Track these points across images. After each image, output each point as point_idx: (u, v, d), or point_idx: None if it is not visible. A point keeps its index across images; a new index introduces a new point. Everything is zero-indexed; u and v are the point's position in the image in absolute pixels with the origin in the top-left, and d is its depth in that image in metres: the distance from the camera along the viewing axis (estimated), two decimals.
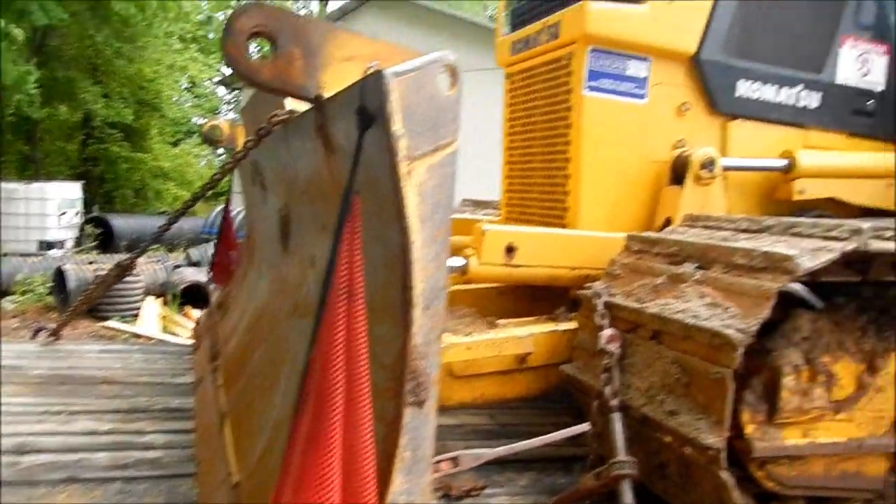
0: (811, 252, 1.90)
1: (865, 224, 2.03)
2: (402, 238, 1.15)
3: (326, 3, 31.20)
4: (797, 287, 1.88)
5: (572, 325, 2.57)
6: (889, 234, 2.03)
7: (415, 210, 1.19)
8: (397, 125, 1.15)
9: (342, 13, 21.95)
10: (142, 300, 7.98)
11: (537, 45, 3.18)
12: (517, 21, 3.44)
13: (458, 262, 2.52)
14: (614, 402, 2.05)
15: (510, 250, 2.62)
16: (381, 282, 1.22)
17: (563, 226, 3.04)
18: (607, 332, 2.16)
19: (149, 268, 8.57)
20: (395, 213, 1.16)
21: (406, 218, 1.15)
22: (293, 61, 1.51)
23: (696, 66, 3.00)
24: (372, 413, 1.08)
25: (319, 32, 1.54)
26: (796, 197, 3.03)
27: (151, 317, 7.72)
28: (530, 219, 3.36)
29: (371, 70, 1.35)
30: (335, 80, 1.50)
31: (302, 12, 30.89)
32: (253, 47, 1.49)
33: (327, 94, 1.46)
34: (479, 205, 4.63)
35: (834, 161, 3.11)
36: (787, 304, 1.91)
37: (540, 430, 2.20)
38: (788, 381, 1.88)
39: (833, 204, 3.12)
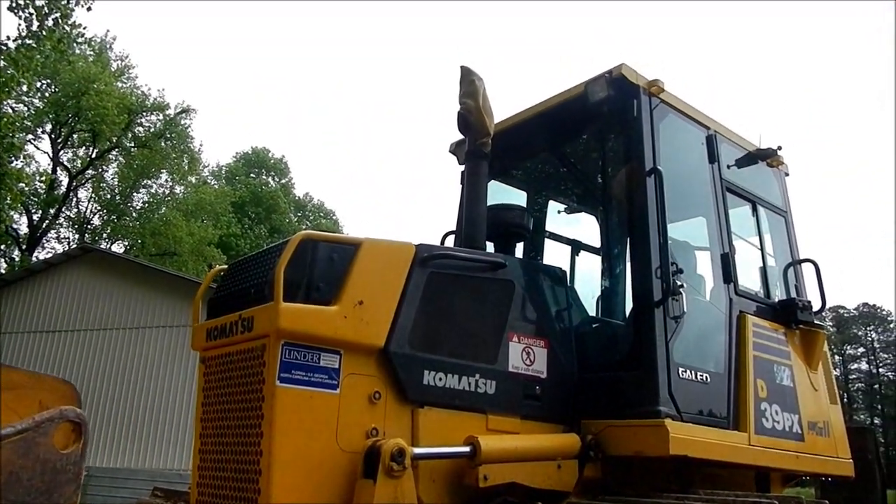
0: None
1: None
2: None
3: (31, 255, 29.03)
4: None
5: None
6: None
7: None
8: None
9: (47, 265, 20.50)
10: None
11: (233, 334, 3.17)
12: (213, 310, 3.44)
13: None
14: None
15: None
16: None
17: None
18: None
19: None
20: None
21: None
22: None
23: (386, 357, 3.18)
24: None
25: None
26: (482, 484, 3.18)
27: None
28: None
29: None
30: None
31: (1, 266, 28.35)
32: None
33: None
34: (170, 496, 4.17)
35: (512, 445, 3.37)
36: None
37: None
38: None
39: (515, 488, 3.32)
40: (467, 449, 3.16)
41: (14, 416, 1.10)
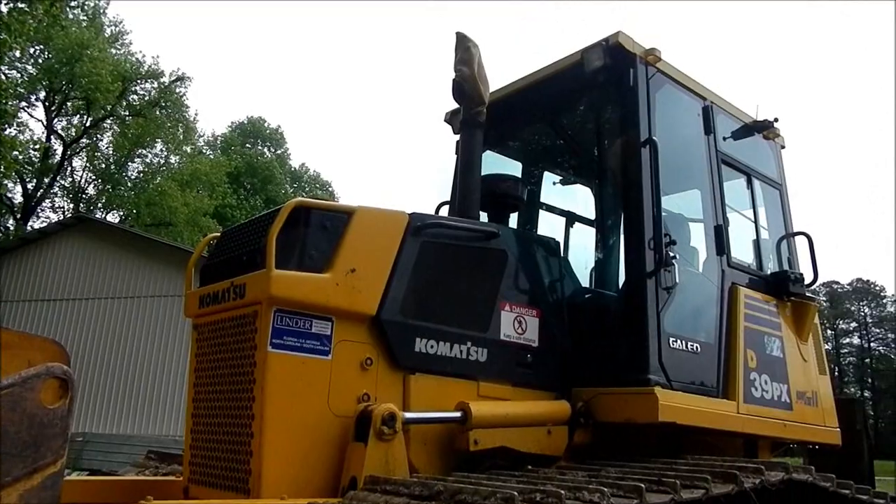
0: None
1: (517, 489, 2.19)
2: None
3: (25, 224, 28.94)
4: None
5: None
6: (538, 497, 2.20)
7: None
8: None
9: (42, 234, 20.45)
10: None
11: (225, 301, 3.18)
12: (206, 277, 3.45)
13: None
14: None
15: None
16: None
17: (248, 491, 2.86)
18: None
19: None
20: None
21: None
22: None
23: (378, 325, 3.20)
24: None
25: None
26: (472, 448, 3.22)
27: None
28: (214, 481, 3.12)
29: None
30: None
31: None
32: None
33: None
34: (165, 459, 4.21)
35: (502, 411, 3.41)
36: None
37: None
38: None
39: (505, 452, 3.36)
40: (458, 414, 3.19)
41: (3, 374, 1.11)
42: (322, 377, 3.02)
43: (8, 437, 1.03)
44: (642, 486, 2.44)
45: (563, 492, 2.18)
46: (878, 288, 70.03)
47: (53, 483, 1.12)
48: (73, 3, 28.17)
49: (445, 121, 5.16)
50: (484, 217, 4.29)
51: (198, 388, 3.39)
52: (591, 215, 5.60)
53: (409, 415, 3.06)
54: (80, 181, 33.93)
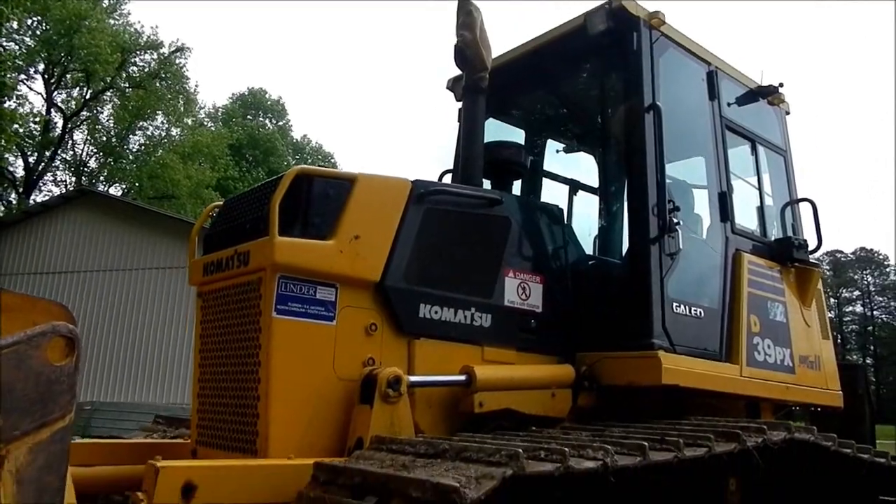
0: (476, 481, 2.00)
1: (521, 446, 2.22)
2: None
3: (28, 197, 28.93)
4: None
5: None
6: (543, 454, 2.23)
7: (11, 500, 1.02)
8: None
9: (44, 207, 20.45)
10: None
11: (229, 268, 3.19)
12: (209, 245, 3.45)
13: None
14: None
15: (188, 490, 2.38)
16: None
17: (255, 452, 2.90)
18: None
19: None
20: None
21: None
22: None
23: (382, 291, 3.21)
24: None
25: None
26: (477, 410, 3.25)
27: None
28: (222, 443, 3.17)
29: None
30: None
31: None
32: None
33: None
34: (172, 423, 4.27)
35: (507, 374, 3.43)
36: None
37: None
38: None
39: (509, 414, 3.39)
40: (463, 377, 3.22)
41: (7, 335, 1.12)
42: (327, 342, 3.04)
43: (14, 394, 1.04)
44: (646, 444, 2.47)
45: (567, 449, 2.20)
46: (881, 257, 70.00)
47: (62, 437, 1.13)
48: None
49: (448, 87, 5.11)
50: (487, 185, 4.28)
51: (204, 354, 3.41)
52: (595, 183, 5.57)
53: (413, 378, 3.09)
54: (81, 154, 33.84)
